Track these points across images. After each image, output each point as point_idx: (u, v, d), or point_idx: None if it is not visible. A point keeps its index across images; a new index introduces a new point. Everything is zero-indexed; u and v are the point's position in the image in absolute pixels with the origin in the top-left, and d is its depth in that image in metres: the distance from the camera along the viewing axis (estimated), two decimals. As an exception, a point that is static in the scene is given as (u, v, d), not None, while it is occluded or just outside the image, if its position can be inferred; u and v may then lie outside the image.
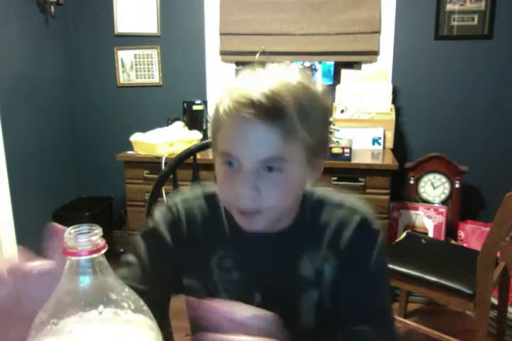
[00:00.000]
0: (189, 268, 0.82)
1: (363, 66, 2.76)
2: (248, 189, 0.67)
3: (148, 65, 2.97)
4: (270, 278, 0.79)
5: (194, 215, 0.83)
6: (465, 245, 2.49)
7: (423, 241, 2.10)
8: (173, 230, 0.82)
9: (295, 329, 0.75)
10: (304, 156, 0.70)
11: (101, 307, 0.45)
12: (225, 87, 0.71)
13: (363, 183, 2.22)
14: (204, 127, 2.79)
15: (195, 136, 2.55)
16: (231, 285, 0.80)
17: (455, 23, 2.56)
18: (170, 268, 0.81)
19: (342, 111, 2.58)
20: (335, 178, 2.23)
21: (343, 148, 2.22)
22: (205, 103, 2.81)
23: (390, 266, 1.82)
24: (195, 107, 2.77)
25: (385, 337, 0.75)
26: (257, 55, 2.75)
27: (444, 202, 2.52)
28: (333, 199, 0.80)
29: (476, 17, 2.53)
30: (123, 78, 3.02)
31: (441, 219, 2.46)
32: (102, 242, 0.46)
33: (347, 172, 2.22)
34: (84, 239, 0.45)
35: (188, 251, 0.82)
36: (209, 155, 2.22)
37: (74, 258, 0.45)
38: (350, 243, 0.77)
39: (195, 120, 2.77)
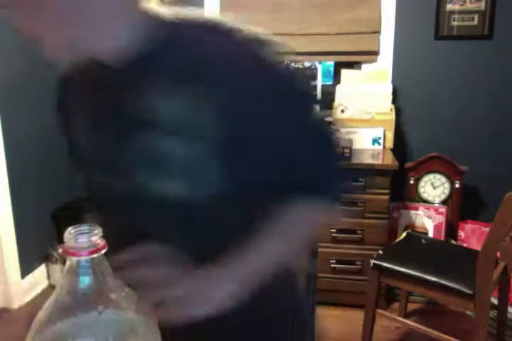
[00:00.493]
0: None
1: (363, 66, 2.76)
2: None
3: (148, 64, 2.96)
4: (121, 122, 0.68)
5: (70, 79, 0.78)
6: (465, 245, 2.49)
7: (423, 241, 2.10)
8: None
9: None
10: None
11: (101, 308, 0.45)
12: None
13: (362, 183, 2.21)
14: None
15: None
16: (95, 144, 0.72)
17: (455, 23, 2.56)
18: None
19: (342, 111, 2.58)
20: (335, 178, 2.23)
21: (343, 148, 2.22)
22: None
23: (390, 266, 1.83)
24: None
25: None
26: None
27: (444, 202, 2.52)
28: (196, 19, 0.66)
29: (476, 17, 2.53)
30: (123, 78, 3.01)
31: (441, 219, 2.46)
32: (101, 242, 0.46)
33: (347, 172, 2.22)
34: (84, 239, 0.45)
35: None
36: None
37: (74, 258, 0.45)
38: (230, 71, 0.61)
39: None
